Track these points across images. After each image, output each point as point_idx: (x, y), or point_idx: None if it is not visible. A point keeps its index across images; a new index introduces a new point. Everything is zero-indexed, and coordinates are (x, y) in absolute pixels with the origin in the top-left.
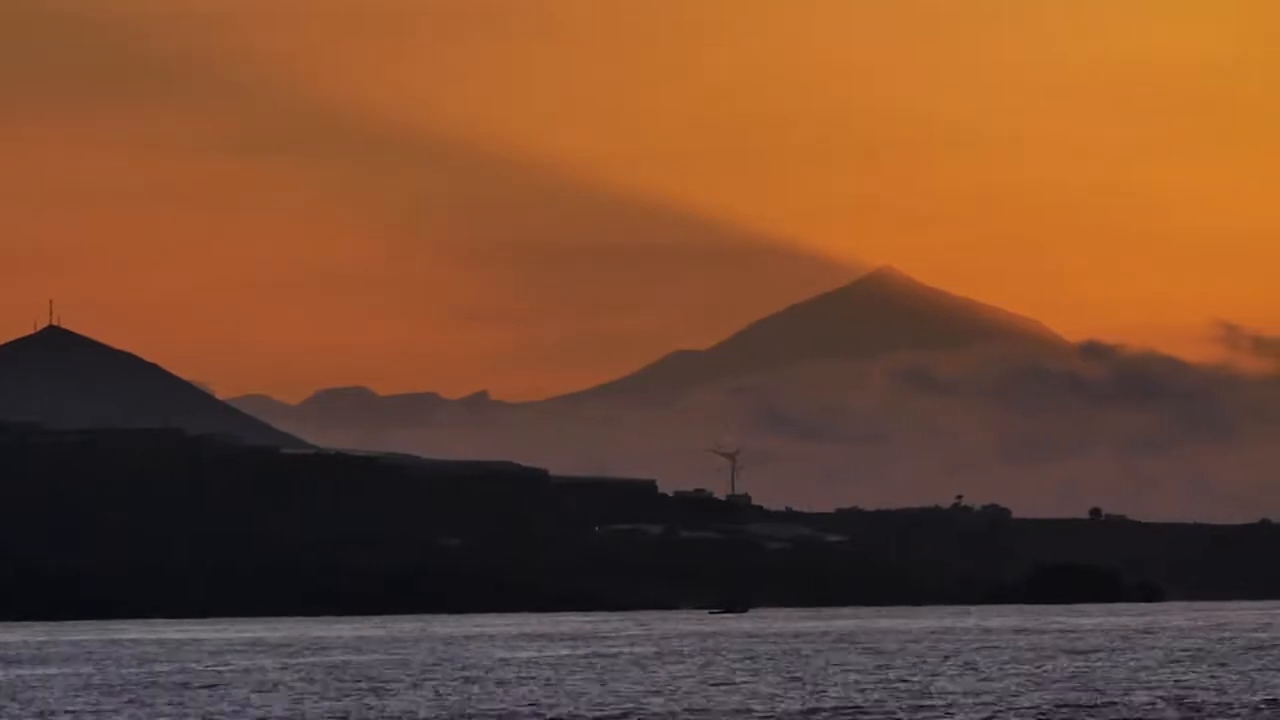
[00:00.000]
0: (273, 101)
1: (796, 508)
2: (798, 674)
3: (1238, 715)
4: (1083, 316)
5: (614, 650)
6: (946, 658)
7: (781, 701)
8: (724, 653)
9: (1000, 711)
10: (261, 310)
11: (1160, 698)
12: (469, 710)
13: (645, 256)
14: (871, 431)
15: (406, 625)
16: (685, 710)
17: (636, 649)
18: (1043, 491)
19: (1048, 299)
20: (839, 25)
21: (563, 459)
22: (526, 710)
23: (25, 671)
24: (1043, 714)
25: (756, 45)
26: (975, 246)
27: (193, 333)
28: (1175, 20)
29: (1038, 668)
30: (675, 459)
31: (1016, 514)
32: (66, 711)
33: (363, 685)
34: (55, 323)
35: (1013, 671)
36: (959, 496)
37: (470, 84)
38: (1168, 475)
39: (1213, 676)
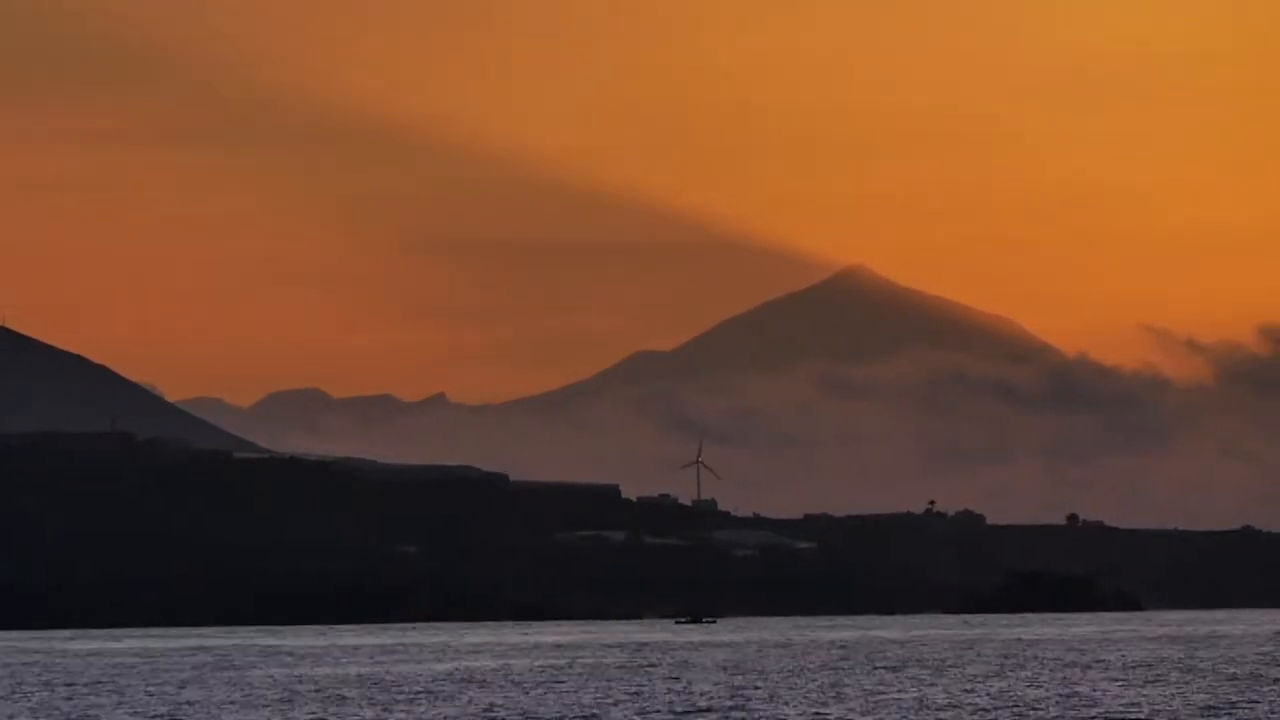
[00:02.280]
0: (225, 92)
1: (764, 514)
2: None
3: None
4: (1057, 315)
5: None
6: None
7: None
8: None
9: None
10: (212, 309)
11: None
12: None
13: (607, 253)
14: (835, 435)
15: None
16: None
17: None
18: (1016, 496)
19: (1023, 298)
20: (810, 20)
21: (523, 463)
22: None
23: None
24: None
25: (725, 38)
26: (948, 244)
27: (142, 333)
28: (1148, 13)
29: None
30: (639, 463)
31: (990, 520)
32: None
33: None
34: (2, 323)
35: None
36: (931, 502)
37: (429, 75)
38: (1159, 481)
39: None
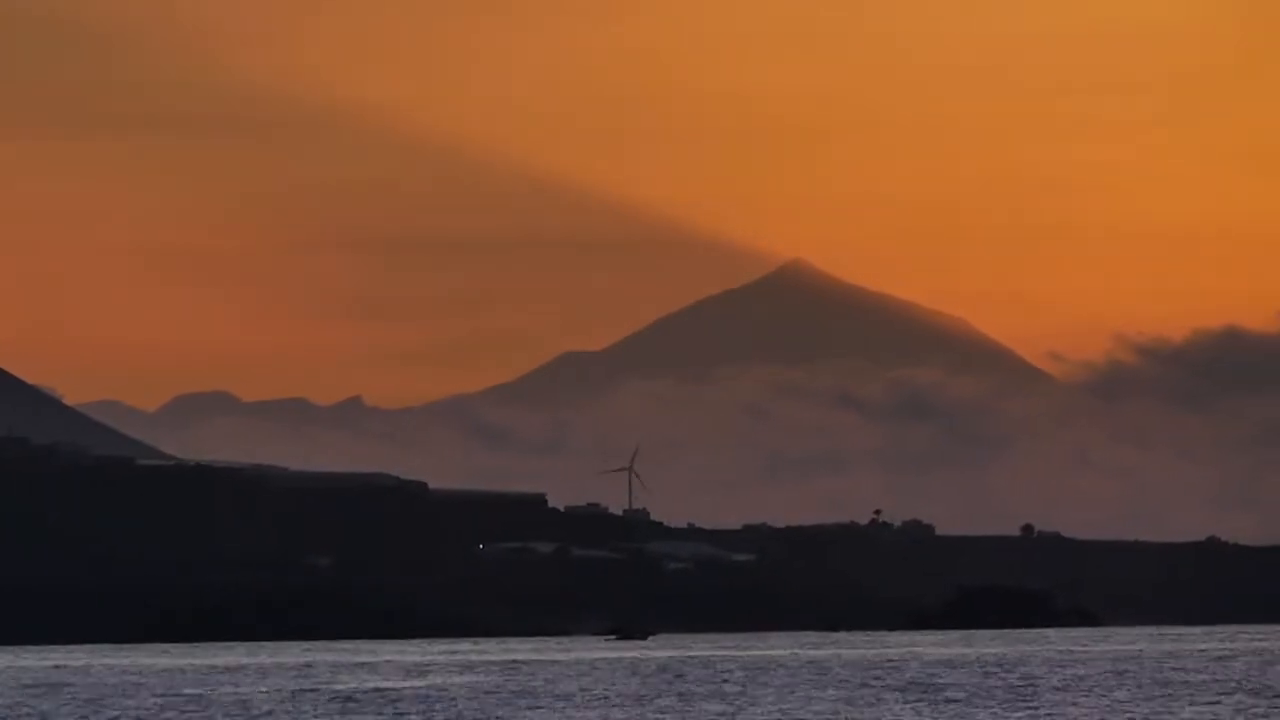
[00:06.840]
0: (127, 73)
1: (700, 523)
2: None
3: None
4: (1014, 312)
5: None
6: None
7: None
8: None
9: None
10: (114, 307)
11: None
12: None
13: (533, 249)
14: (772, 436)
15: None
16: None
17: None
18: (969, 506)
19: (973, 295)
20: (749, 6)
21: (444, 470)
22: None
23: None
24: None
25: (656, 18)
26: (892, 239)
27: (39, 333)
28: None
29: None
30: (566, 470)
31: (940, 530)
32: None
33: None
34: None
35: None
36: (877, 511)
37: (350, 61)
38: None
39: None
